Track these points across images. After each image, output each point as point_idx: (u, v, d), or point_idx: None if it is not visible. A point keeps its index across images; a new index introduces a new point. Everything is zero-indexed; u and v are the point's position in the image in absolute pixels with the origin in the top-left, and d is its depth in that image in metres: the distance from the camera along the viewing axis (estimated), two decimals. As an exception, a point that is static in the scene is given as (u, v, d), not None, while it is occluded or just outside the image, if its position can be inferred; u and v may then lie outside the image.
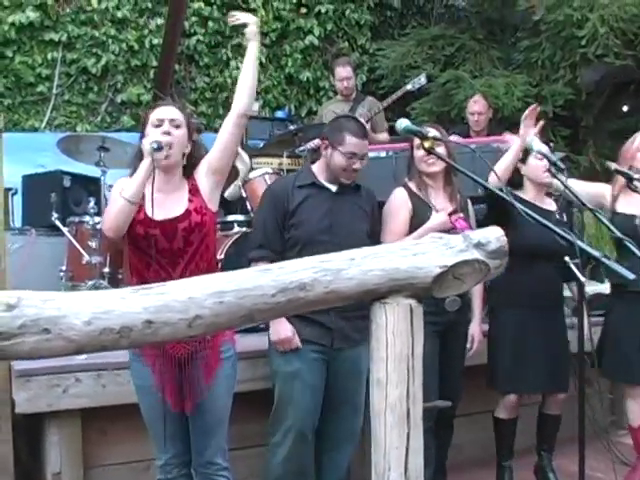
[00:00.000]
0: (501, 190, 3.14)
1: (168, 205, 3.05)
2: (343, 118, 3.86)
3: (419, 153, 3.85)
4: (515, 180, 4.09)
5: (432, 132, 3.50)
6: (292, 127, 6.84)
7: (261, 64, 8.97)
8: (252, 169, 5.61)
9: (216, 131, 8.77)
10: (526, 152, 3.99)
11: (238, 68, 8.80)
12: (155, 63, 8.44)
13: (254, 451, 4.01)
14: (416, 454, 1.89)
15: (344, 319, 3.48)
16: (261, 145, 7.13)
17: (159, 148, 2.94)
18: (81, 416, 3.75)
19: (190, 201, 3.07)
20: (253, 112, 8.41)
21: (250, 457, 4.01)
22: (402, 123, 2.93)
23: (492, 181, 3.61)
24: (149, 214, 3.02)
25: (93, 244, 5.21)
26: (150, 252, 3.04)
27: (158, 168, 2.99)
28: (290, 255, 3.47)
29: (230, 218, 5.33)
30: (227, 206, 5.52)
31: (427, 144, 2.83)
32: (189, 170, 3.14)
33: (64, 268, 5.43)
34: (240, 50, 8.89)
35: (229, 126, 3.17)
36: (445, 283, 1.89)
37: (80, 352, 1.78)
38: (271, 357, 3.65)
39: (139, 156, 3.02)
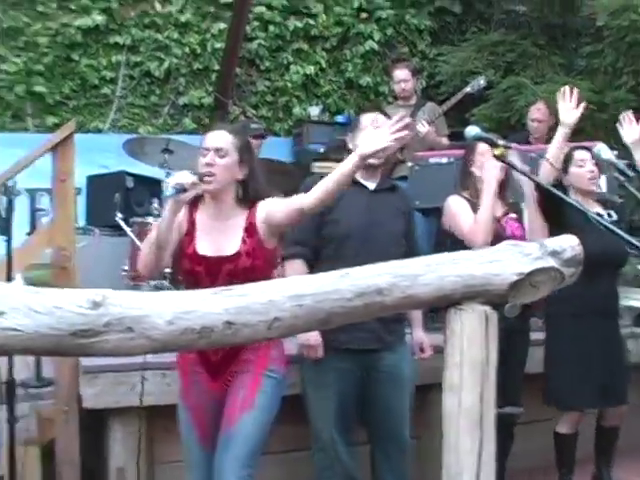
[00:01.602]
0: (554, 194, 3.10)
1: (219, 239, 2.98)
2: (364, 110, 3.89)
3: (480, 160, 3.84)
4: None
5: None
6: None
7: (322, 69, 9.03)
8: (313, 174, 5.64)
9: (276, 134, 8.91)
10: (566, 162, 3.95)
11: (298, 72, 8.88)
12: (217, 67, 8.54)
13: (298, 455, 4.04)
14: (489, 459, 1.90)
15: (379, 320, 3.36)
16: (322, 149, 7.17)
17: (179, 191, 2.82)
18: (146, 413, 3.81)
19: (244, 242, 2.97)
20: (314, 117, 8.49)
21: (293, 461, 4.05)
22: (472, 130, 2.92)
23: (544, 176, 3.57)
24: (197, 248, 2.98)
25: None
26: (192, 288, 2.96)
27: (206, 194, 2.97)
28: (326, 252, 3.49)
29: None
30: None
31: (497, 151, 2.83)
32: (246, 198, 3.04)
33: (126, 268, 5.52)
34: (300, 54, 8.96)
35: (294, 209, 2.93)
36: (521, 290, 1.90)
37: (161, 351, 1.84)
38: (303, 366, 3.61)
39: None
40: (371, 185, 3.63)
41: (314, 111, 8.74)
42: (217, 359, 2.98)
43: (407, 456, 3.69)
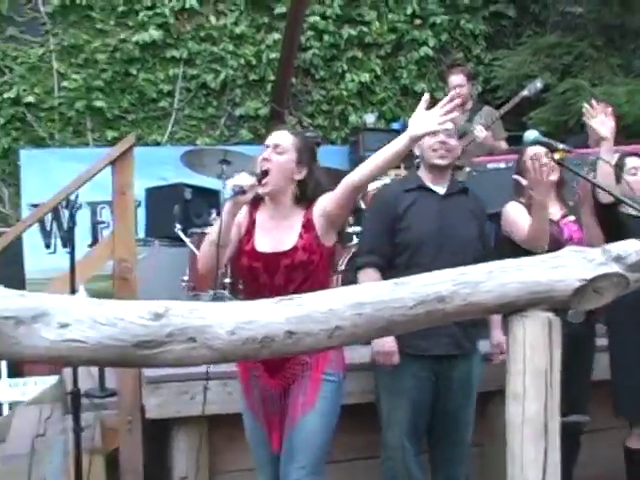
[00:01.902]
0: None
1: (277, 236, 3.02)
2: None
3: (534, 165, 3.77)
4: None
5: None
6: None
7: (376, 76, 9.02)
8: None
9: (332, 143, 8.94)
10: (618, 170, 3.84)
11: (353, 80, 8.89)
12: (272, 77, 8.60)
13: (369, 462, 3.99)
14: (554, 470, 1.87)
15: (458, 325, 3.36)
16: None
17: (236, 193, 2.86)
18: (208, 422, 3.84)
19: (301, 237, 3.00)
20: (370, 124, 8.48)
21: (364, 468, 4.02)
22: (531, 135, 2.89)
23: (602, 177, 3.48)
24: (256, 245, 3.02)
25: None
26: (252, 285, 3.05)
27: (265, 196, 3.01)
28: (399, 261, 3.46)
29: (349, 230, 5.36)
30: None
31: (557, 156, 2.79)
32: (304, 198, 3.06)
33: (186, 278, 5.57)
34: (355, 63, 8.97)
35: (344, 190, 2.94)
36: (585, 296, 1.87)
37: (223, 361, 1.84)
38: (378, 373, 3.60)
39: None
40: (441, 190, 3.59)
41: (370, 119, 8.73)
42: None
43: (467, 464, 3.66)
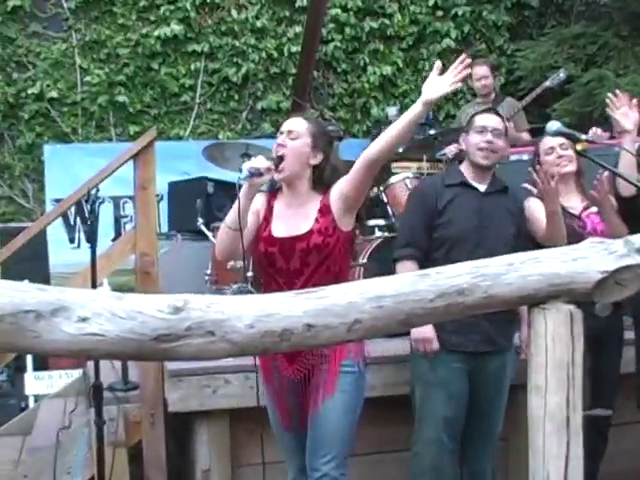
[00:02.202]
0: None
1: (294, 222, 3.02)
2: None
3: (549, 158, 3.73)
4: None
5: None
6: (431, 131, 6.79)
7: (398, 69, 8.99)
8: (393, 174, 5.61)
9: (354, 136, 8.92)
10: None
11: (375, 73, 8.87)
12: (294, 70, 8.61)
13: (393, 456, 4.00)
14: (576, 463, 1.85)
15: (488, 320, 3.36)
16: (401, 150, 7.11)
17: (252, 175, 2.83)
18: (230, 416, 3.85)
19: (317, 220, 3.00)
20: (392, 117, 8.45)
21: (389, 462, 4.02)
22: (554, 125, 2.86)
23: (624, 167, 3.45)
24: (272, 231, 3.03)
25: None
26: (269, 271, 3.05)
27: (280, 182, 3.01)
28: (436, 255, 3.44)
29: (371, 223, 5.34)
30: (367, 210, 5.53)
31: (580, 147, 2.76)
32: (320, 184, 3.05)
33: (209, 272, 5.57)
34: (377, 55, 8.94)
35: (361, 166, 2.92)
36: (606, 289, 1.84)
37: (242, 354, 1.84)
38: (414, 364, 3.60)
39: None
40: (482, 187, 3.59)
41: (392, 111, 8.69)
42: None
43: (493, 459, 3.66)
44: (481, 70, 6.53)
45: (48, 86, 8.12)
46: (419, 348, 3.47)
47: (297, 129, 3.01)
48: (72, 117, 8.22)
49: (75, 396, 4.49)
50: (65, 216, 7.24)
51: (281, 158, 2.95)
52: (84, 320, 1.68)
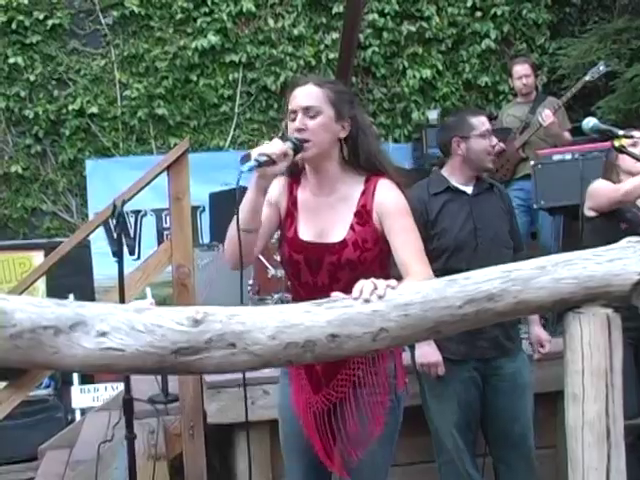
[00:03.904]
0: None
1: (325, 221, 2.52)
2: (456, 113, 3.79)
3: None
4: None
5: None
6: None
7: (438, 72, 8.90)
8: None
9: (396, 141, 8.82)
10: None
11: (414, 77, 8.80)
12: (332, 77, 8.56)
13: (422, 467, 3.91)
14: (618, 475, 1.76)
15: (498, 327, 3.28)
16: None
17: (261, 165, 2.32)
18: (269, 427, 3.81)
19: (352, 228, 2.48)
20: (432, 121, 8.37)
21: (418, 473, 3.94)
22: (590, 122, 2.78)
23: None
24: (299, 232, 2.54)
25: (278, 258, 5.29)
26: (294, 283, 2.61)
27: (306, 164, 2.51)
28: (436, 266, 3.32)
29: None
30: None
31: (617, 143, 2.67)
32: (357, 160, 2.53)
33: (251, 282, 5.56)
34: (416, 59, 8.87)
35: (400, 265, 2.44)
36: (645, 290, 1.76)
37: (265, 366, 1.80)
38: (421, 378, 3.49)
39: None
40: (469, 189, 3.51)
41: (433, 115, 8.62)
42: (320, 368, 2.55)
43: (533, 465, 3.52)
44: (522, 68, 6.41)
45: (88, 102, 8.20)
46: (425, 371, 3.39)
47: (315, 103, 2.45)
48: (113, 131, 8.30)
49: (119, 409, 4.50)
50: (107, 229, 7.27)
51: (305, 142, 2.43)
52: (103, 335, 1.67)
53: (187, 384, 3.97)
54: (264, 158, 2.29)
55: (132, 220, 7.72)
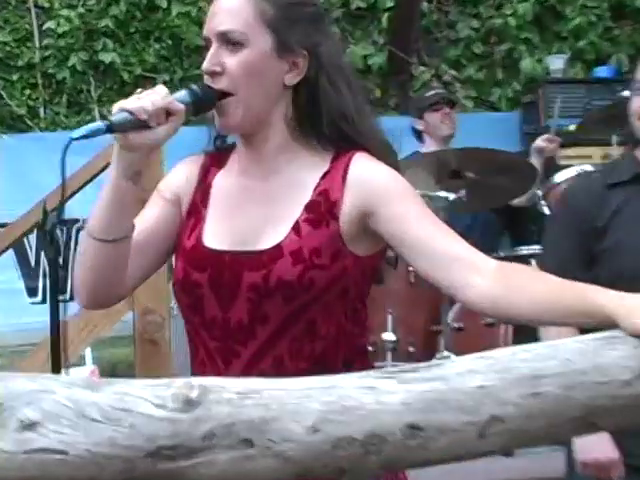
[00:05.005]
0: None
1: (250, 217, 2.46)
2: None
3: None
4: None
5: None
6: (625, 92, 6.73)
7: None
8: (559, 167, 5.59)
9: (494, 108, 8.99)
10: None
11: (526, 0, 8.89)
12: (390, 4, 8.72)
13: None
14: None
15: None
16: (572, 127, 7.05)
17: (121, 127, 2.25)
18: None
19: (296, 230, 2.39)
20: (555, 72, 8.41)
21: None
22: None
23: None
24: (203, 237, 2.47)
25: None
26: (193, 320, 2.49)
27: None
28: None
29: (523, 251, 5.33)
30: (516, 228, 5.53)
31: None
32: (312, 120, 2.43)
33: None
34: None
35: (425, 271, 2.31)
36: None
37: (302, 476, 1.80)
38: None
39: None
40: None
41: (556, 63, 8.64)
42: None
43: None
44: None
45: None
46: (590, 474, 3.46)
47: (237, 26, 2.36)
48: (28, 90, 8.46)
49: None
50: (21, 252, 7.30)
51: (224, 96, 2.37)
52: (30, 427, 1.68)
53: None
54: (124, 117, 2.24)
55: (60, 235, 7.74)
